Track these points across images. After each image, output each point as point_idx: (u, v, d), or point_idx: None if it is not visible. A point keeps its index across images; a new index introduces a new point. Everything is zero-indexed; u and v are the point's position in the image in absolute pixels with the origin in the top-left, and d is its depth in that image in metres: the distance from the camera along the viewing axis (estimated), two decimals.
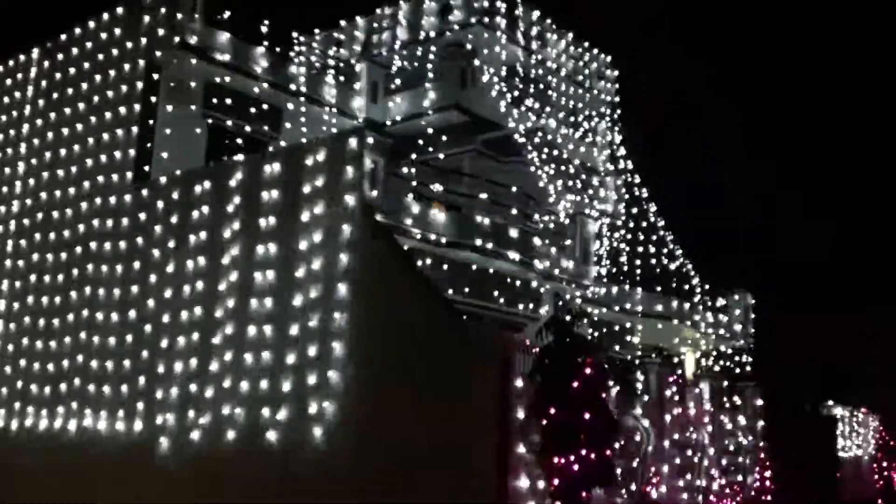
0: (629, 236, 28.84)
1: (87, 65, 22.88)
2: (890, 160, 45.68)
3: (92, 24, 22.97)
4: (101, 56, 22.52)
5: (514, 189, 22.80)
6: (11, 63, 25.21)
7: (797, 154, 48.22)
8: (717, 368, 30.03)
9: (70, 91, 23.12)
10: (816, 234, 45.41)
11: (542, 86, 27.48)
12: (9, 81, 25.20)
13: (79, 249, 21.59)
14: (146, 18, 21.45)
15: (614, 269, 27.62)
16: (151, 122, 20.76)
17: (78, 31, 23.33)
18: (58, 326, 21.62)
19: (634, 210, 28.84)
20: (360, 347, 16.05)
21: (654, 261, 28.97)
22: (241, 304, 17.76)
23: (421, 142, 24.23)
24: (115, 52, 22.13)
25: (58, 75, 23.61)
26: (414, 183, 20.30)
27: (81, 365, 20.68)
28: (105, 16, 22.66)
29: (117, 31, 22.19)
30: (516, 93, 25.86)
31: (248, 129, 22.11)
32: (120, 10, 22.27)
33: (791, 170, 48.68)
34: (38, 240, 22.90)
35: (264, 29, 22.41)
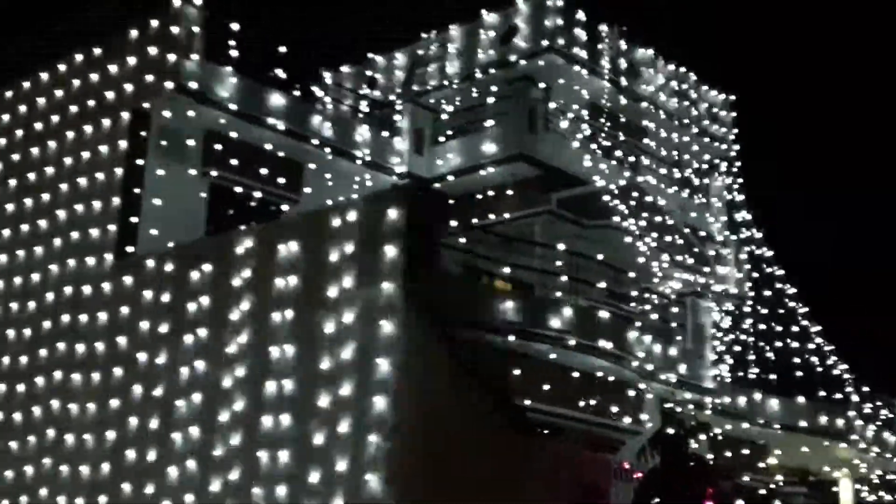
0: (760, 326, 28.54)
1: (55, 118, 23.33)
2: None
3: (63, 67, 23.47)
4: (73, 108, 22.94)
5: (602, 262, 22.43)
6: None
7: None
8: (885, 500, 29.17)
9: (35, 152, 23.53)
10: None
11: (635, 129, 27.40)
12: None
13: (43, 353, 21.64)
14: (132, 59, 21.85)
15: (741, 369, 27.40)
16: (137, 190, 20.94)
17: (45, 76, 23.84)
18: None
19: (767, 292, 28.44)
20: (406, 479, 15.59)
21: (795, 359, 28.53)
22: (249, 427, 17.55)
23: (479, 202, 24.24)
24: (91, 101, 22.56)
25: (18, 132, 24.10)
26: (471, 255, 20.09)
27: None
28: (79, 57, 23.14)
29: (94, 75, 22.63)
30: (602, 138, 25.72)
31: (259, 191, 22.26)
32: (98, 50, 22.72)
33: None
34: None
35: (281, 68, 22.73)
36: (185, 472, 18.23)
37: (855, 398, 29.15)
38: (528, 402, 18.98)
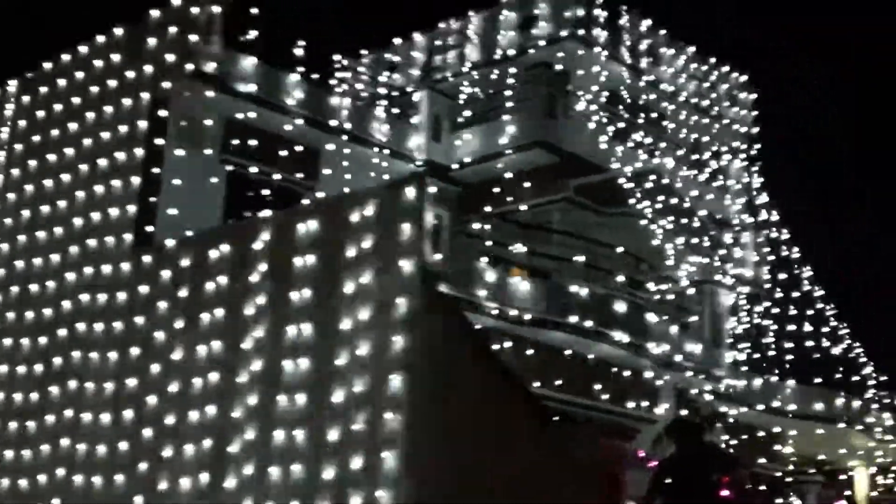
0: (776, 311, 28.30)
1: (76, 100, 23.43)
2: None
3: (84, 49, 23.60)
4: (94, 88, 23.03)
5: (619, 249, 22.50)
6: None
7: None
8: None
9: (55, 132, 23.67)
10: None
11: (654, 114, 27.33)
12: None
13: (62, 332, 21.80)
14: (152, 41, 21.93)
15: (756, 356, 27.17)
16: (157, 170, 21.02)
17: (66, 57, 23.97)
18: (34, 431, 21.76)
19: (783, 276, 28.32)
20: (419, 459, 15.72)
21: (810, 343, 28.21)
22: (265, 400, 17.64)
23: (497, 190, 24.17)
24: (112, 83, 22.63)
25: (40, 113, 24.25)
26: (488, 243, 20.18)
27: (62, 481, 20.71)
28: (100, 39, 23.25)
29: (115, 57, 22.69)
30: (620, 124, 25.76)
31: (277, 176, 22.39)
32: (119, 31, 22.82)
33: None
34: (10, 321, 23.21)
35: (299, 52, 22.78)
36: (200, 452, 18.32)
37: (871, 383, 29.05)
38: (542, 390, 19.11)
